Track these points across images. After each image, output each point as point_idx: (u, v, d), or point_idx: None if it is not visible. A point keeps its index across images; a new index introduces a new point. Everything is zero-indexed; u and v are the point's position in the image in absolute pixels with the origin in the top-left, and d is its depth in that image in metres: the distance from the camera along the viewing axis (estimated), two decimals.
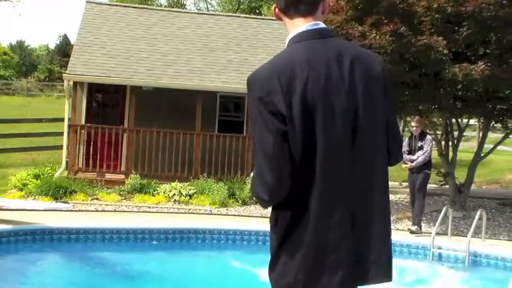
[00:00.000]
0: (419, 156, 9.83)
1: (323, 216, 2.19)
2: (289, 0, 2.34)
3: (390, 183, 10.82)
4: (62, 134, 14.62)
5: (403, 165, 9.94)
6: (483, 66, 9.26)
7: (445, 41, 9.37)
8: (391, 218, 10.36)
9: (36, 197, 11.82)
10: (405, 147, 9.98)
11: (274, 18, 2.50)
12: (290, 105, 2.16)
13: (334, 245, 2.20)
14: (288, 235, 2.21)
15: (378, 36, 9.55)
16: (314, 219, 2.18)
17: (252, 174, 2.16)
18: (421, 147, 9.92)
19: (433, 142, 10.89)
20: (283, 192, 2.17)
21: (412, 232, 9.54)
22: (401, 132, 17.78)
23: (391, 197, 11.51)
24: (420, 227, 9.73)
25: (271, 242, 2.28)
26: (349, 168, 2.22)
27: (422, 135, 10.04)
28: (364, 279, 2.27)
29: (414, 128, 10.14)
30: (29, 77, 49.19)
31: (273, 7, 2.47)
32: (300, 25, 2.33)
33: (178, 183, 12.74)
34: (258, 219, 10.39)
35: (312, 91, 2.19)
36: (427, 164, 9.94)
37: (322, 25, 2.34)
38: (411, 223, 9.90)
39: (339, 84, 2.23)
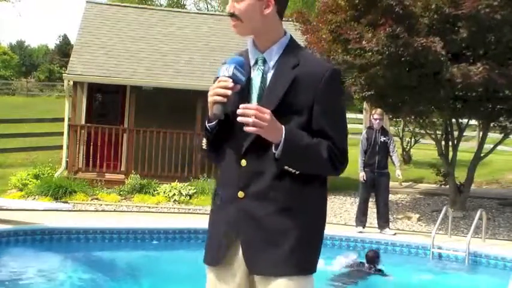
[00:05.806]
0: (394, 159, 9.45)
1: None
2: (286, 4, 2.46)
3: (390, 183, 10.68)
4: (62, 134, 14.61)
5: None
6: (481, 68, 9.22)
7: (442, 42, 9.33)
8: (391, 217, 10.35)
9: (36, 197, 11.81)
10: (363, 144, 9.31)
11: None
12: None
13: None
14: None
15: (374, 39, 9.52)
16: None
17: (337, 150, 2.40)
18: (385, 143, 9.33)
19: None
20: None
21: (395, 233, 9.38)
22: (400, 133, 17.67)
23: (391, 196, 11.48)
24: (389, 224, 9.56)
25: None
26: None
27: (383, 130, 9.49)
28: None
29: (377, 120, 9.40)
30: (29, 77, 49.14)
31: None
32: (282, 27, 2.48)
33: (178, 183, 12.74)
34: None
35: None
36: (387, 164, 9.50)
37: None
38: (386, 228, 9.36)
39: None
